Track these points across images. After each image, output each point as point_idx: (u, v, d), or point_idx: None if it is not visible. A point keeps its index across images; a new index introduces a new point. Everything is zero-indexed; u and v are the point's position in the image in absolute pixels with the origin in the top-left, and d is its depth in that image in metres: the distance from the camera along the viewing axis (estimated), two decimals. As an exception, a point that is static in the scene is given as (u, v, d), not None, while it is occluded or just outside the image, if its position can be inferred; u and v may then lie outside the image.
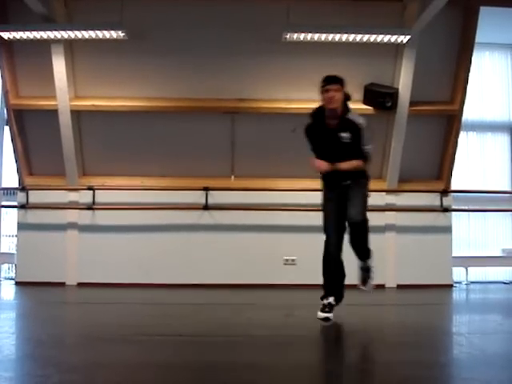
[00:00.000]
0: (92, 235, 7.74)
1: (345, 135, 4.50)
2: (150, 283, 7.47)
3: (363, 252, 4.74)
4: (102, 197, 7.74)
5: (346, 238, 4.70)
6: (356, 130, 4.50)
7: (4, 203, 8.37)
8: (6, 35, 6.86)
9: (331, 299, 4.61)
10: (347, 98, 4.64)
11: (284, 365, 3.02)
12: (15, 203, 7.90)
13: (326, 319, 4.48)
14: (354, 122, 4.53)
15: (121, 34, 6.74)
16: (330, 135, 4.55)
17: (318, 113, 4.70)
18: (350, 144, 4.50)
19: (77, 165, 7.68)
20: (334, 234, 4.68)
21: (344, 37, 6.73)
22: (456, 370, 3.05)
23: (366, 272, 4.79)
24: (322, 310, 4.55)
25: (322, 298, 4.64)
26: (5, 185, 8.47)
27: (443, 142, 7.84)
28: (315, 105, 7.43)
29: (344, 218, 4.63)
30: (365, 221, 4.60)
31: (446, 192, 7.88)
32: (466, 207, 8.41)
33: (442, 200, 7.85)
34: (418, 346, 3.56)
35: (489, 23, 7.41)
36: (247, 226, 7.72)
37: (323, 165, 4.54)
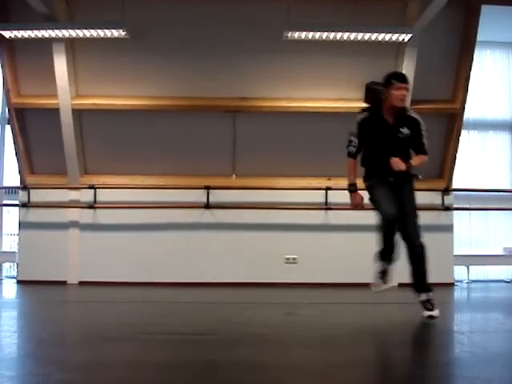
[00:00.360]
0: (93, 234, 7.74)
1: (404, 131, 4.54)
2: (151, 282, 7.48)
3: (421, 283, 4.64)
4: (104, 195, 7.74)
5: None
6: (416, 125, 4.56)
7: (5, 202, 8.40)
8: (7, 34, 6.87)
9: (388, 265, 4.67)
10: None
11: (285, 363, 3.02)
12: (17, 202, 7.92)
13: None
14: (414, 117, 4.60)
15: (122, 33, 6.74)
16: (388, 131, 4.56)
17: (373, 109, 4.66)
18: (407, 140, 4.55)
19: (78, 163, 7.68)
20: (391, 207, 4.49)
21: (345, 35, 6.73)
22: (457, 368, 3.05)
23: (426, 304, 4.56)
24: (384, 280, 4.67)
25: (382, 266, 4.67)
26: (6, 183, 8.48)
27: (445, 141, 7.84)
28: (316, 103, 7.52)
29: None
30: (423, 246, 4.58)
31: (447, 190, 7.87)
32: (468, 206, 8.40)
33: (443, 198, 7.85)
34: (419, 345, 3.56)
35: (490, 22, 7.39)
36: (248, 225, 7.72)
37: (402, 165, 4.48)
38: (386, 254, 4.64)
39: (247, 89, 7.56)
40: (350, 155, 4.68)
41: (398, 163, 4.48)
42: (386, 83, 4.56)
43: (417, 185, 7.96)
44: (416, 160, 4.63)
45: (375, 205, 4.60)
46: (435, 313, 4.47)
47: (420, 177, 4.74)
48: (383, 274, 4.70)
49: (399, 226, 4.54)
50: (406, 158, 4.56)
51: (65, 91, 7.35)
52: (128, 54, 7.40)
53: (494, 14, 7.32)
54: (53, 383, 2.56)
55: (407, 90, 4.60)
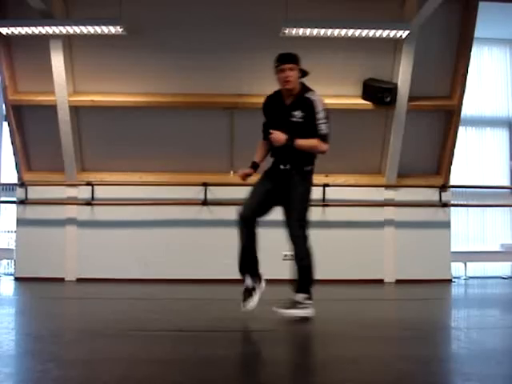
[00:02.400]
0: (91, 231, 7.74)
1: (297, 113, 4.26)
2: (149, 279, 7.48)
3: (299, 279, 4.50)
4: (101, 192, 7.74)
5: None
6: (311, 107, 4.23)
7: (3, 199, 8.38)
8: (4, 30, 6.85)
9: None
10: (304, 74, 4.38)
11: (284, 359, 3.03)
12: (14, 199, 7.92)
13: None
14: (309, 98, 4.26)
15: (119, 30, 6.73)
16: (282, 112, 4.35)
17: (276, 92, 4.45)
18: (301, 124, 4.26)
19: (75, 160, 7.68)
20: (249, 212, 4.56)
21: (343, 32, 6.72)
22: (454, 364, 3.05)
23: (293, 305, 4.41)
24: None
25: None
26: (4, 180, 8.47)
27: (442, 137, 7.84)
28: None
29: (270, 205, 4.59)
30: (303, 237, 4.48)
31: (444, 187, 7.89)
32: (465, 202, 8.43)
33: (440, 195, 7.86)
34: (416, 341, 3.56)
35: (488, 18, 7.41)
36: (246, 222, 7.71)
37: (281, 137, 4.25)
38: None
39: (245, 85, 7.55)
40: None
41: (277, 135, 4.26)
42: (274, 67, 4.32)
43: (414, 181, 8.05)
44: (304, 141, 4.26)
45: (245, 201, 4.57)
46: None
47: (309, 168, 4.47)
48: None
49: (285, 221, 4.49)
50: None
51: (62, 88, 7.33)
52: (125, 50, 7.38)
53: (492, 10, 7.34)
54: (51, 380, 2.56)
55: (292, 69, 4.24)
